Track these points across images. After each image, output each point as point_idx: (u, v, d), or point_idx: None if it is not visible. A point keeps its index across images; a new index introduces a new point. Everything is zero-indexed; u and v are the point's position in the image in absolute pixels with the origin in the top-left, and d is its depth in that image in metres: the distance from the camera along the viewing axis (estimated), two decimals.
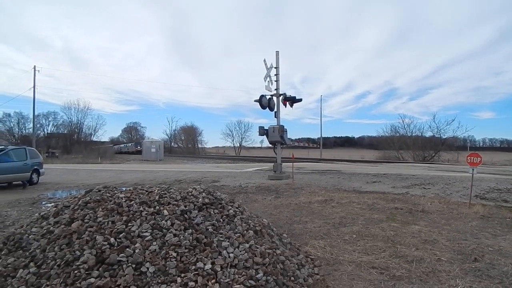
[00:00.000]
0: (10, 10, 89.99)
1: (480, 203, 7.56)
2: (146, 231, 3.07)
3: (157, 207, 3.50)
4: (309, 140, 37.09)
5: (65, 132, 59.50)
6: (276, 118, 13.76)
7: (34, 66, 37.55)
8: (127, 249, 2.79)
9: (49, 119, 59.25)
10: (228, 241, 3.17)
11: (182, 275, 2.65)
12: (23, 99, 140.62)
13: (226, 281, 2.63)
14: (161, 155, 40.72)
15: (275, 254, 3.30)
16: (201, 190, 4.20)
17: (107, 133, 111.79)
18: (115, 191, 3.96)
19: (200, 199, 3.86)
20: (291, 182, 11.74)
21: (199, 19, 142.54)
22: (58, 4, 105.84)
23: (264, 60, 13.51)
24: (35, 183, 12.92)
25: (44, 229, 3.21)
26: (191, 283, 2.55)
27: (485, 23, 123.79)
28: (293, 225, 5.63)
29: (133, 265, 2.64)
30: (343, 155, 42.86)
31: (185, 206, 3.60)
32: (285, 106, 14.18)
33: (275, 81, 13.83)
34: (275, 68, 13.81)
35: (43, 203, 8.59)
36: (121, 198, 3.62)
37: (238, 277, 2.71)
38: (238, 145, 72.29)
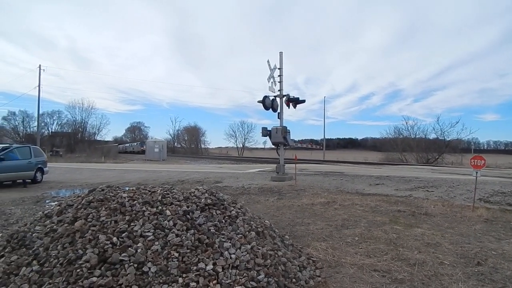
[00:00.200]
0: (17, 9, 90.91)
1: (484, 206, 7.50)
2: (149, 231, 3.08)
3: (160, 207, 3.51)
4: (312, 141, 36.97)
5: (69, 131, 60.09)
6: (279, 119, 13.75)
7: (39, 65, 37.87)
8: (129, 248, 2.80)
9: (54, 118, 59.90)
10: (230, 242, 3.17)
11: (184, 275, 2.66)
12: (28, 97, 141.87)
13: (227, 282, 2.64)
14: (164, 155, 40.87)
15: (276, 255, 3.30)
16: (203, 191, 4.21)
17: (111, 132, 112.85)
18: (118, 191, 3.98)
19: (203, 200, 3.87)
20: (294, 184, 11.72)
21: (202, 19, 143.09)
22: (64, 3, 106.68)
23: (268, 61, 13.52)
24: (39, 181, 13.01)
25: (48, 228, 3.23)
26: (193, 284, 2.55)
27: (490, 24, 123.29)
28: (295, 226, 5.62)
29: (135, 265, 2.65)
30: (346, 157, 42.75)
31: (188, 207, 3.60)
32: (289, 107, 14.16)
33: (278, 82, 13.83)
34: (278, 69, 13.81)
35: (47, 201, 8.65)
36: (124, 197, 3.64)
37: (240, 278, 2.72)
38: (241, 145, 72.26)
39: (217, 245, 3.08)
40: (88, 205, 3.50)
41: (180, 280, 2.59)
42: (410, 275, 3.48)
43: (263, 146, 70.23)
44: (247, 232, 3.52)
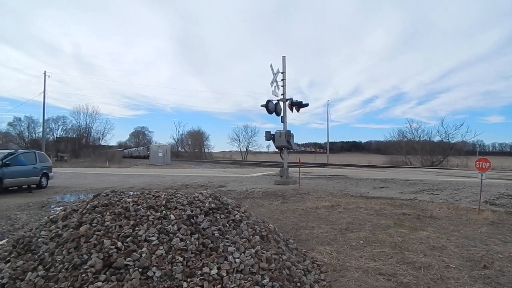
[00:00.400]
0: (22, 15, 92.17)
1: (489, 209, 7.43)
2: (153, 236, 3.09)
3: (164, 212, 3.53)
4: (316, 145, 36.88)
5: (74, 136, 60.52)
6: (282, 123, 13.77)
7: (45, 72, 38.39)
8: (134, 253, 2.81)
9: (59, 124, 60.45)
10: (234, 246, 3.17)
11: (188, 279, 2.66)
12: (34, 103, 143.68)
13: (232, 286, 2.64)
14: (168, 159, 40.97)
15: (281, 259, 3.29)
16: (207, 195, 4.21)
17: (115, 137, 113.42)
18: (123, 196, 4.00)
19: (207, 204, 3.87)
20: (298, 187, 11.70)
21: (206, 23, 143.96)
22: (68, 9, 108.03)
23: (271, 66, 13.58)
24: (44, 186, 13.10)
25: (53, 233, 3.25)
26: None
27: (493, 26, 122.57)
28: (299, 230, 5.60)
29: (140, 269, 2.66)
30: (350, 160, 42.61)
31: (192, 211, 3.61)
32: (292, 111, 14.20)
33: (281, 86, 13.87)
34: (281, 73, 13.86)
35: (52, 206, 8.70)
36: (129, 202, 3.66)
37: (244, 282, 2.71)
38: (245, 149, 72.43)
39: (221, 249, 3.08)
40: (93, 210, 3.53)
41: (185, 284, 2.60)
42: (415, 278, 3.46)
43: (266, 150, 70.28)
44: (251, 236, 3.52)
